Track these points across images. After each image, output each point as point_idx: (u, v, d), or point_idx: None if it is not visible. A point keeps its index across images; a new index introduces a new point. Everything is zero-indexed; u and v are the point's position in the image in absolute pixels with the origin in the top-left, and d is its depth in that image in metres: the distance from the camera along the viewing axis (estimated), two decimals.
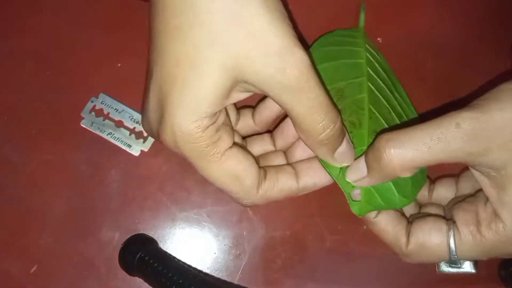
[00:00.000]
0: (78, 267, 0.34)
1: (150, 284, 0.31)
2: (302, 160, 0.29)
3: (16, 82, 0.35)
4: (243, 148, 0.27)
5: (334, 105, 0.25)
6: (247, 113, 0.30)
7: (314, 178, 0.28)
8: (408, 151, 0.24)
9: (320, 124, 0.24)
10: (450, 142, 0.24)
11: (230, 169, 0.25)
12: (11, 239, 0.34)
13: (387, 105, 0.32)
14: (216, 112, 0.24)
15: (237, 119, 0.30)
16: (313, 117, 0.24)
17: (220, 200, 0.35)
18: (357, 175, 0.27)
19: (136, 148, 0.35)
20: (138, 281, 0.32)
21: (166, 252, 0.34)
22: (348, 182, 0.28)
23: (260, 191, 0.26)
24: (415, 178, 0.29)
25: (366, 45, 0.35)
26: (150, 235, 0.34)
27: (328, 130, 0.24)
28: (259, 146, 0.30)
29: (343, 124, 0.26)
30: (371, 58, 0.34)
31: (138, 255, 0.31)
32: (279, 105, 0.24)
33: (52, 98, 0.35)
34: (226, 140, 0.25)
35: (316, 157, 0.27)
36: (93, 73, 0.36)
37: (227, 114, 0.27)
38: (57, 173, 0.34)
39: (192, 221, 0.35)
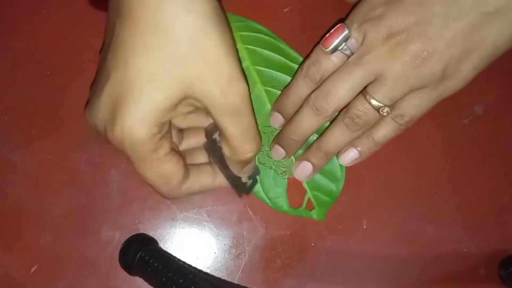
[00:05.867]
0: (78, 267, 0.34)
1: (150, 283, 0.31)
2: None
3: (16, 82, 0.35)
4: (176, 152, 0.30)
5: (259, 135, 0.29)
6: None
7: (223, 181, 0.32)
8: None
9: (247, 146, 0.28)
10: None
11: (162, 172, 0.28)
12: (11, 239, 0.34)
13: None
14: (164, 122, 0.27)
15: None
16: (243, 138, 0.28)
17: (220, 200, 0.35)
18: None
19: None
20: (138, 280, 0.32)
21: (166, 252, 0.34)
22: (296, 209, 0.35)
23: (183, 188, 0.30)
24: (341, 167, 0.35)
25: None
26: (150, 235, 0.35)
27: (251, 153, 0.29)
28: (193, 139, 0.33)
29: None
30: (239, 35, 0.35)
31: (138, 255, 0.31)
32: (216, 123, 0.27)
33: (52, 98, 0.35)
34: (166, 147, 0.28)
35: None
36: (93, 73, 0.35)
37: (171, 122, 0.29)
38: (57, 173, 0.35)
39: (192, 221, 0.35)
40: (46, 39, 0.36)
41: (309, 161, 0.34)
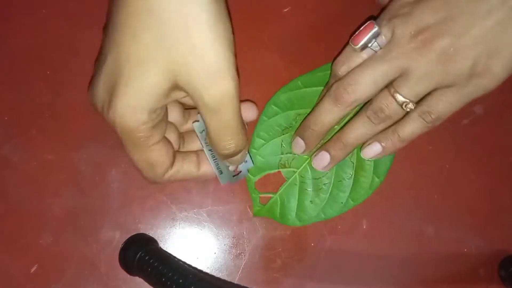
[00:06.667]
0: (78, 267, 0.34)
1: (150, 283, 0.31)
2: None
3: (16, 82, 0.35)
4: (167, 141, 0.30)
5: (244, 134, 0.29)
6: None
7: (211, 168, 0.32)
8: None
9: (224, 143, 0.28)
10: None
11: (149, 159, 0.28)
12: (11, 239, 0.34)
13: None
14: (156, 109, 0.26)
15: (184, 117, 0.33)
16: (220, 135, 0.27)
17: (220, 200, 0.35)
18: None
19: None
20: (138, 280, 0.32)
21: (166, 252, 0.34)
22: (255, 189, 0.35)
23: (165, 176, 0.30)
24: (323, 212, 0.35)
25: None
26: (150, 235, 0.34)
27: (230, 149, 0.28)
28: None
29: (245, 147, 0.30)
30: None
31: (138, 255, 0.31)
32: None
33: (52, 98, 0.35)
34: (156, 137, 0.28)
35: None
36: (93, 73, 0.36)
37: (167, 110, 0.30)
38: (57, 173, 0.35)
39: (192, 221, 0.35)
40: (46, 39, 0.36)
41: (327, 151, 0.33)
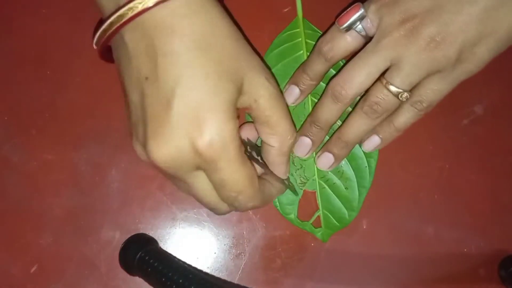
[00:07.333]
0: (78, 267, 0.34)
1: (150, 283, 0.31)
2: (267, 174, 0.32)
3: (16, 82, 0.35)
4: None
5: None
6: None
7: (281, 186, 0.33)
8: None
9: (291, 129, 0.30)
10: None
11: (248, 171, 0.28)
12: (11, 239, 0.34)
13: None
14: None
15: None
16: (286, 121, 0.29)
17: None
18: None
19: None
20: (139, 280, 0.32)
21: (166, 252, 0.34)
22: (302, 221, 0.35)
23: (262, 192, 0.30)
24: (362, 186, 0.35)
25: (305, 32, 0.36)
26: (150, 235, 0.35)
27: (292, 138, 0.30)
28: None
29: None
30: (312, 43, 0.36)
31: (138, 255, 0.31)
32: (259, 114, 0.29)
33: (52, 98, 0.35)
34: (242, 146, 0.28)
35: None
36: (93, 73, 0.36)
37: None
38: (57, 173, 0.35)
39: (192, 221, 0.35)
40: (46, 39, 0.36)
41: (330, 152, 0.34)
